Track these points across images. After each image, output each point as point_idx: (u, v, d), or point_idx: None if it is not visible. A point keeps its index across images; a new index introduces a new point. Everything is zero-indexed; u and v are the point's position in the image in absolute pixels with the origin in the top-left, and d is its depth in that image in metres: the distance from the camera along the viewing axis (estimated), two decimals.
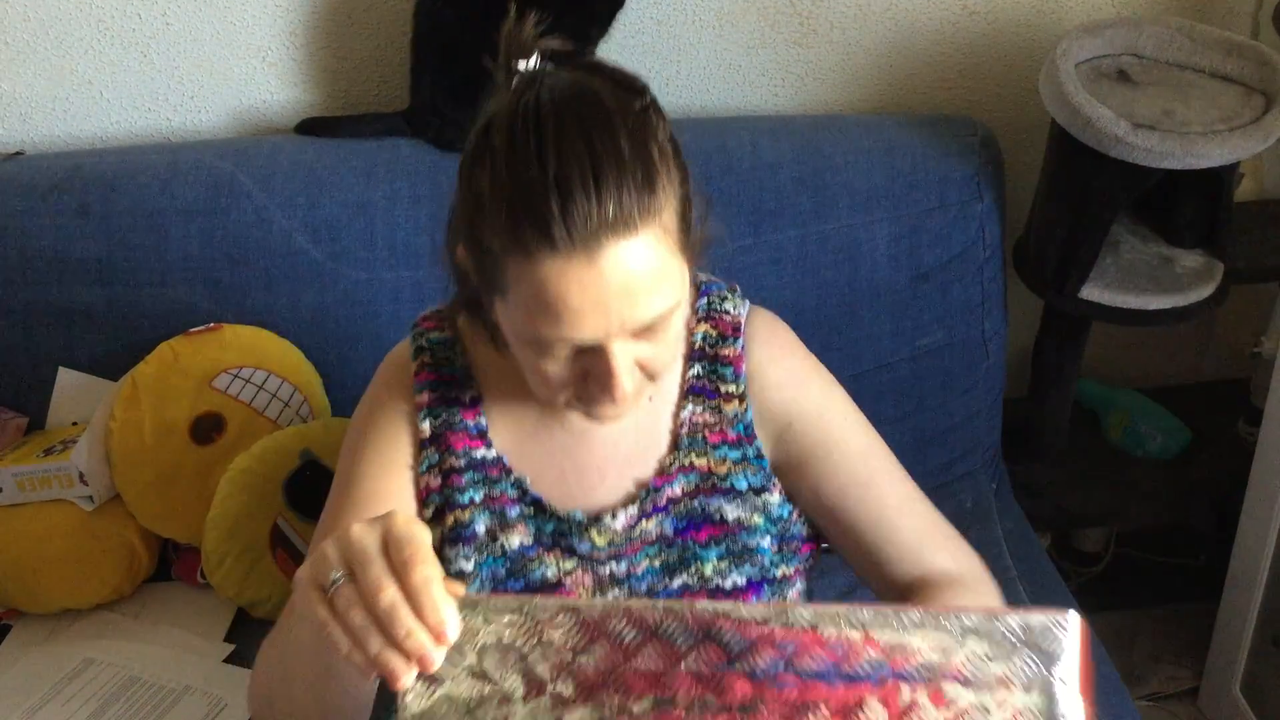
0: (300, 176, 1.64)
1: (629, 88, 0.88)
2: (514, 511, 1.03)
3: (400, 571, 0.71)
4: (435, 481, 1.04)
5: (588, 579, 1.03)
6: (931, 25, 1.83)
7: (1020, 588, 1.58)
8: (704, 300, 1.08)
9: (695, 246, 0.92)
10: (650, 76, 1.90)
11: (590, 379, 0.90)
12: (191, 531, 1.56)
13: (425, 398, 1.05)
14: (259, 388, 1.58)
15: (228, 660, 1.49)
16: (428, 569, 0.71)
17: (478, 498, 1.03)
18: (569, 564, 1.03)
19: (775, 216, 1.66)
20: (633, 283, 0.84)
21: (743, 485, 1.04)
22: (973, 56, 1.87)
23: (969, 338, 1.72)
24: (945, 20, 1.83)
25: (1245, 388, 2.08)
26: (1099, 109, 1.53)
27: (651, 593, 1.02)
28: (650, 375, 0.92)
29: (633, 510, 1.03)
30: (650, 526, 1.03)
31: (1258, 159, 1.94)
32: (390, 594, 0.70)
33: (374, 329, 1.64)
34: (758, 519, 1.04)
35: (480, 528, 1.03)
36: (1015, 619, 0.73)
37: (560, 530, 1.03)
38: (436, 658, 0.71)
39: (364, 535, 0.73)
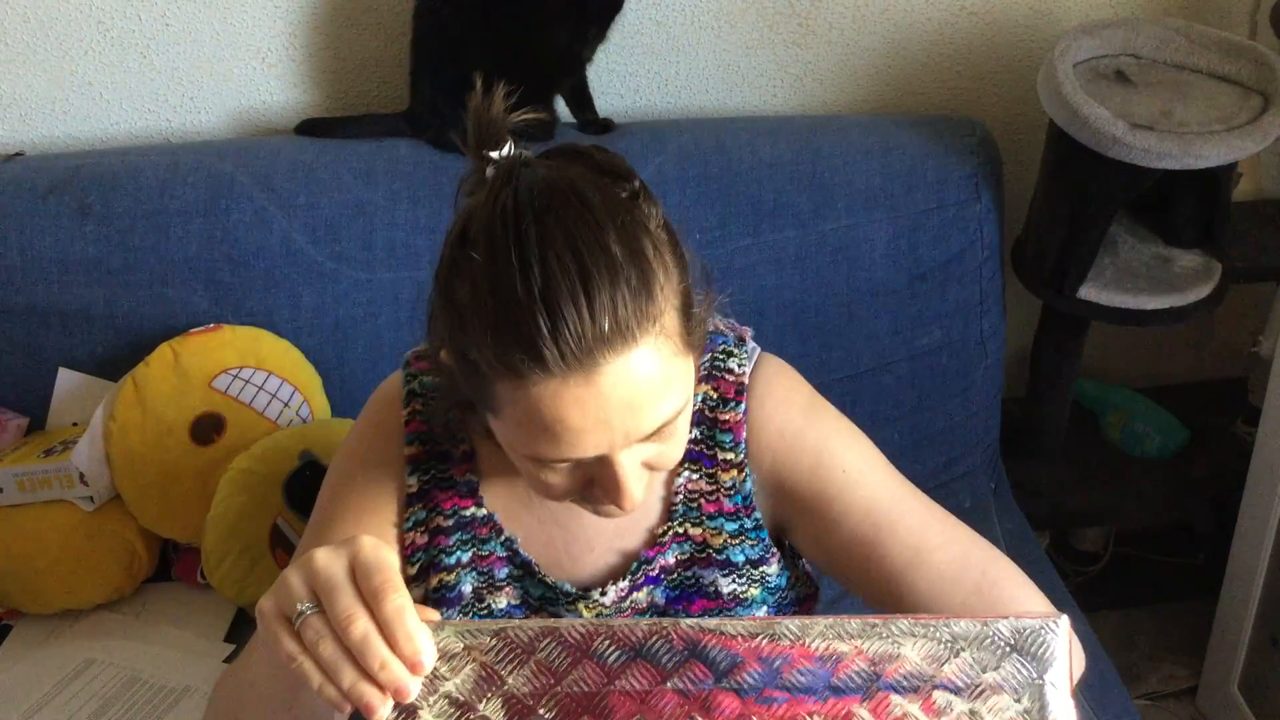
0: (300, 177, 1.64)
1: (614, 174, 0.82)
2: (503, 572, 0.99)
3: (371, 600, 0.69)
4: (421, 539, 0.99)
5: None
6: (930, 26, 1.84)
7: None
8: (707, 357, 0.98)
9: (700, 340, 0.86)
10: (649, 77, 1.92)
11: (596, 486, 0.85)
12: (191, 531, 1.56)
13: (415, 450, 0.99)
14: (259, 388, 1.58)
15: (228, 660, 1.49)
16: (400, 597, 0.69)
17: (465, 558, 0.99)
18: None
19: (774, 217, 1.66)
20: (635, 396, 0.78)
21: (739, 559, 0.98)
22: (971, 57, 1.87)
23: (967, 337, 1.73)
24: (943, 21, 1.84)
25: (1243, 387, 2.08)
26: (1097, 109, 1.53)
27: None
28: (660, 470, 0.87)
29: (623, 584, 0.98)
30: (641, 596, 0.99)
31: (1255, 159, 1.94)
32: (362, 625, 0.68)
33: (373, 329, 1.64)
34: (754, 591, 0.99)
35: (467, 588, 0.99)
36: (1005, 624, 0.72)
37: (548, 597, 0.99)
38: (412, 688, 0.69)
39: (330, 563, 0.70)
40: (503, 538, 0.99)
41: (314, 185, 1.64)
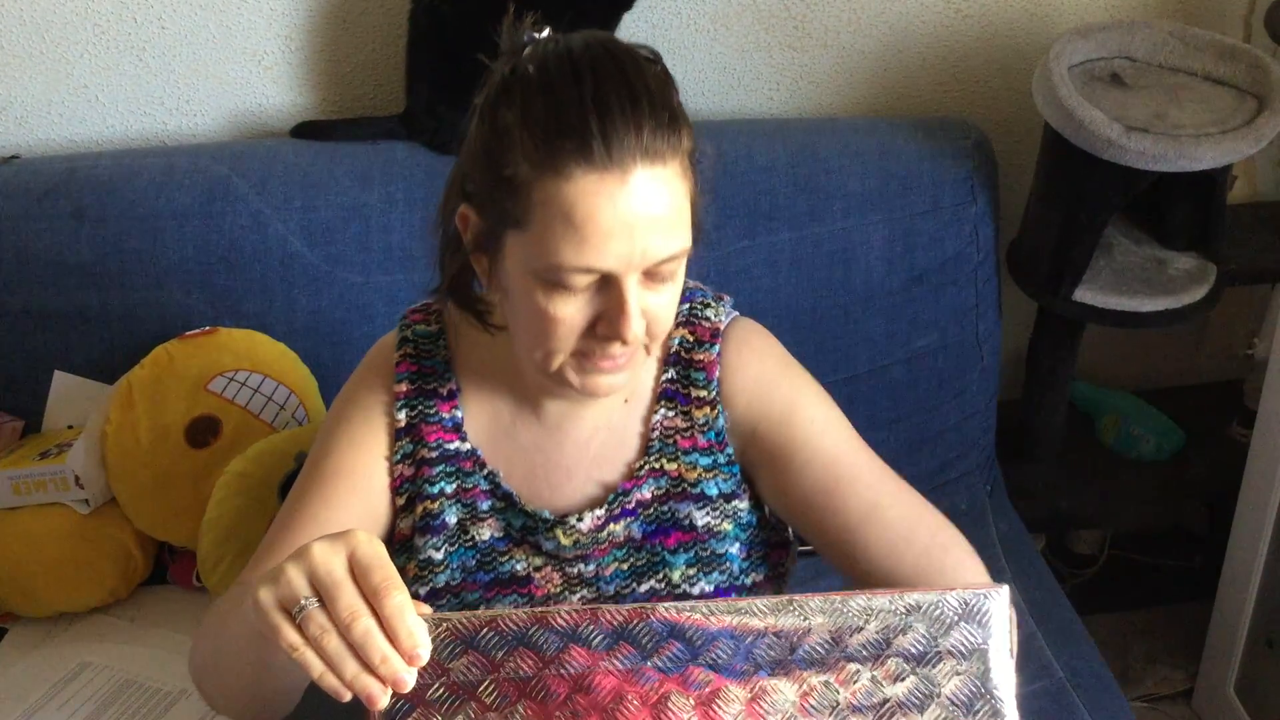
0: (296, 180, 1.64)
1: (647, 56, 0.91)
2: (485, 505, 1.04)
3: (372, 597, 0.72)
4: (408, 471, 1.04)
5: (556, 577, 1.03)
6: (925, 29, 1.84)
7: (1015, 590, 1.58)
8: (685, 306, 1.06)
9: (698, 212, 0.93)
10: None
11: (600, 322, 0.90)
12: (187, 534, 1.56)
13: (404, 388, 1.06)
14: (254, 391, 1.58)
15: None
16: (400, 594, 0.73)
17: (449, 489, 1.04)
18: (538, 560, 1.04)
19: (770, 219, 1.66)
20: (657, 213, 0.86)
21: (713, 492, 1.03)
22: (966, 60, 1.87)
23: (963, 340, 1.73)
24: (939, 24, 1.84)
25: (1238, 389, 2.09)
26: (1092, 112, 1.53)
27: (619, 595, 1.03)
28: (649, 335, 0.93)
29: (599, 513, 1.03)
30: (618, 529, 1.03)
31: (1250, 161, 1.95)
32: (364, 622, 0.72)
33: (369, 332, 1.63)
34: (727, 525, 1.04)
35: (451, 519, 1.04)
36: (954, 596, 0.79)
37: (528, 526, 1.04)
38: (410, 680, 0.73)
39: (329, 558, 0.73)
40: (485, 471, 1.05)
41: (310, 188, 1.64)
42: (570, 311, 0.89)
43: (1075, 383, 1.99)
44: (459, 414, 1.05)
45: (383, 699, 0.73)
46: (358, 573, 0.73)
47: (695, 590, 1.02)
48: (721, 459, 1.04)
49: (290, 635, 0.73)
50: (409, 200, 1.64)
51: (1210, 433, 2.03)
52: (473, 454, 1.05)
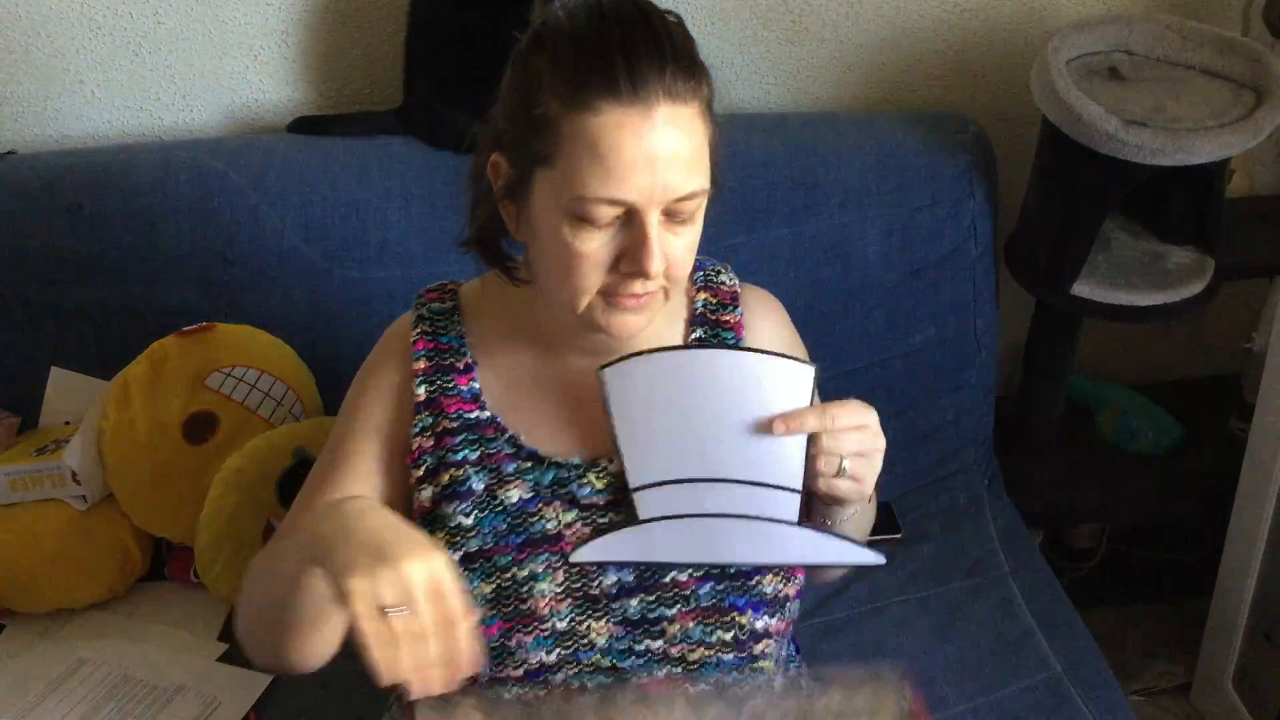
0: (292, 175, 1.64)
1: (671, 18, 0.96)
2: (510, 467, 1.07)
3: (450, 619, 0.82)
4: (428, 443, 1.07)
5: (587, 532, 1.05)
6: (923, 23, 1.84)
7: (1013, 584, 1.58)
8: (700, 273, 1.15)
9: (718, 160, 0.99)
10: None
11: (623, 258, 0.94)
12: (185, 531, 1.56)
13: (422, 364, 1.09)
14: (251, 386, 1.58)
15: (221, 659, 1.49)
16: (468, 624, 0.83)
17: (472, 456, 1.07)
18: (569, 516, 1.05)
19: (768, 214, 1.66)
20: (679, 149, 0.92)
21: None
22: (964, 54, 1.87)
23: (961, 334, 1.73)
24: (937, 18, 1.84)
25: (1237, 383, 2.09)
26: (1090, 106, 1.53)
27: None
28: (669, 278, 0.97)
29: None
30: None
31: (1248, 155, 1.95)
32: (441, 640, 0.82)
33: (366, 328, 1.63)
34: None
35: (478, 485, 1.06)
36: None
37: (559, 479, 1.06)
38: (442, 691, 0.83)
39: (423, 575, 0.82)
40: (507, 436, 1.08)
41: (306, 183, 1.64)
42: (595, 246, 0.94)
43: (1073, 377, 1.99)
44: (476, 385, 1.09)
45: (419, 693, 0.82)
46: (439, 595, 0.82)
47: None
48: None
49: (373, 625, 0.80)
50: (406, 195, 1.63)
51: (1208, 427, 2.03)
52: (492, 421, 1.08)
